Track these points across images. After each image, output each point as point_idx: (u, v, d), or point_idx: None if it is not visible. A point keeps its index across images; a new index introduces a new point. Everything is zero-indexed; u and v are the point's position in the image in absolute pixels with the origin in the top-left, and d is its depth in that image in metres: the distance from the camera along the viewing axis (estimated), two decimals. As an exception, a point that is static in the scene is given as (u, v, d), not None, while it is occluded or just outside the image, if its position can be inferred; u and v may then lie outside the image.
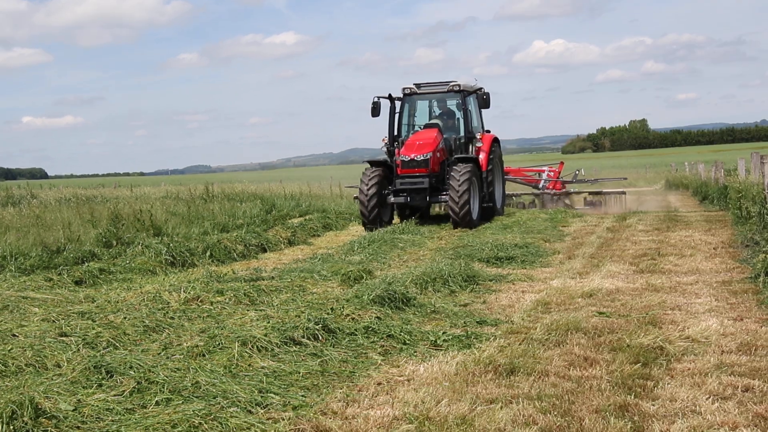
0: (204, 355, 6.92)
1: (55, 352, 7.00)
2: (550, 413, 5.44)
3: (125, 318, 8.49)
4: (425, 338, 7.67)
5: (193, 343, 7.30)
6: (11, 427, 5.20)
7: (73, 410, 5.53)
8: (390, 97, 19.68)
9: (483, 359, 6.72)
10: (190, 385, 5.96)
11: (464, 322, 8.39)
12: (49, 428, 5.27)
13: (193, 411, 5.39)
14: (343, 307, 8.53)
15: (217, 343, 7.19)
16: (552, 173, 27.66)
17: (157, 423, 5.25)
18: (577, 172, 29.66)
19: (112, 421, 5.38)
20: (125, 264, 13.30)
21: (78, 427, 5.31)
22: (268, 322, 7.84)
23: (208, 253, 14.58)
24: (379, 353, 7.20)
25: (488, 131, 20.68)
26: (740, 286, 9.94)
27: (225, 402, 5.63)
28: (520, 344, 7.26)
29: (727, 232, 16.30)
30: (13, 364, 6.71)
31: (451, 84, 19.03)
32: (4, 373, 6.54)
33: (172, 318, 8.64)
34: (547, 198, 26.45)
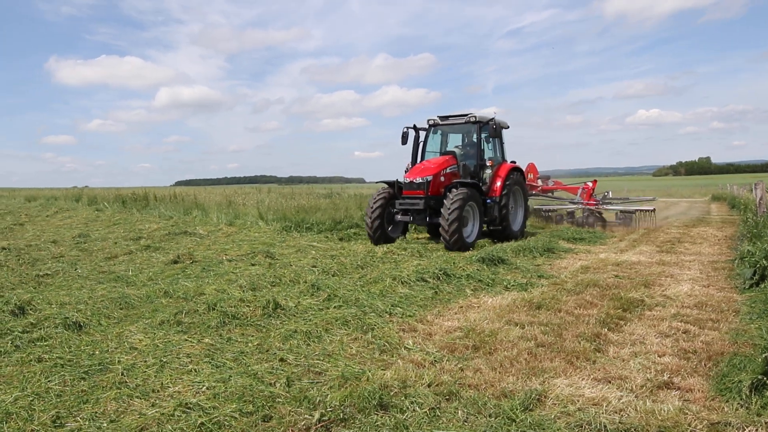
0: (372, 284, 6.98)
1: (305, 275, 7.39)
2: (547, 334, 5.09)
3: (350, 259, 8.76)
4: (501, 283, 7.26)
5: (372, 276, 7.36)
6: (265, 311, 5.56)
7: (294, 306, 5.88)
8: (414, 128, 13.04)
9: (527, 298, 6.36)
10: (354, 299, 6.11)
11: (530, 275, 7.85)
12: (281, 314, 5.62)
13: (350, 313, 5.54)
14: (458, 262, 8.25)
15: (379, 278, 7.21)
16: (586, 189, 18.04)
17: (330, 317, 5.50)
18: (606, 194, 19.38)
19: (312, 314, 5.70)
20: (364, 232, 13.20)
21: (294, 315, 5.65)
22: (416, 269, 7.67)
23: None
24: (471, 290, 6.93)
25: (513, 162, 13.21)
26: (722, 264, 8.53)
27: (369, 310, 5.77)
28: (554, 291, 6.71)
29: (733, 229, 13.94)
30: (281, 280, 7.22)
31: (468, 116, 12.44)
32: (277, 284, 7.05)
33: (374, 262, 8.72)
34: (584, 213, 16.61)
